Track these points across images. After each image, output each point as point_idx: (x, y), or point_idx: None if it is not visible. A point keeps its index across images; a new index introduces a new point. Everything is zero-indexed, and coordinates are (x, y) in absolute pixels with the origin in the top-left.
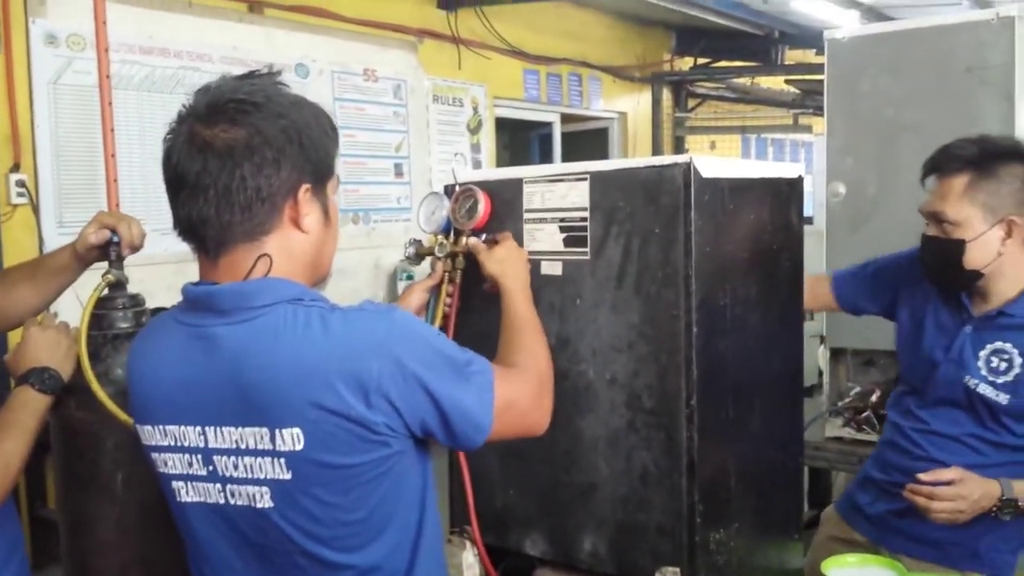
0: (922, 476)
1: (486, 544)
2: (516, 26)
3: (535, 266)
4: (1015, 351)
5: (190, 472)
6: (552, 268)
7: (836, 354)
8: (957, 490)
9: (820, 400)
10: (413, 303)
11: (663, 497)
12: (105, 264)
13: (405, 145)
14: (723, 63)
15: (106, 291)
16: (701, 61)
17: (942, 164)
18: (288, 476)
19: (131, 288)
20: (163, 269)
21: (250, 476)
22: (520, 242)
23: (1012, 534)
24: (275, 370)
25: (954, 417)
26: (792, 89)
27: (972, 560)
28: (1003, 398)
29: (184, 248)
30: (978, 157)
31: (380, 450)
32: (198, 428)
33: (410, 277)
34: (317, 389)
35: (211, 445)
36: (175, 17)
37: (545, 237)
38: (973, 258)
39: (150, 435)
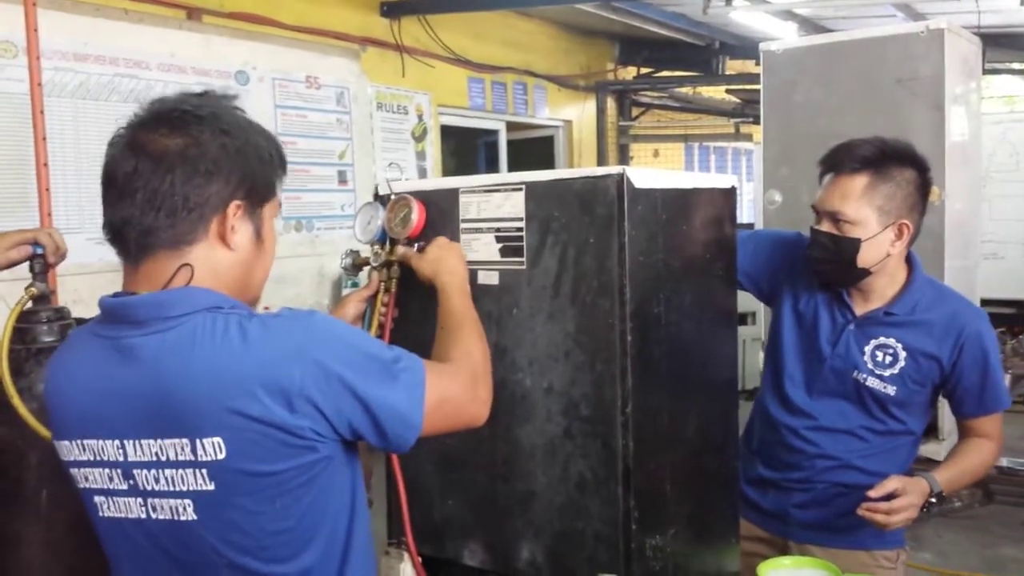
0: (871, 493)
1: (424, 555)
2: (460, 35)
3: (472, 276)
4: (899, 345)
5: (110, 487)
6: (489, 278)
7: None
8: (910, 499)
9: None
10: (349, 313)
11: (600, 504)
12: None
13: (349, 152)
14: (665, 73)
15: (29, 304)
16: (644, 71)
17: (841, 162)
18: (211, 487)
19: (66, 298)
20: (99, 278)
21: (172, 489)
22: None
23: None
24: (194, 379)
25: (842, 410)
26: (733, 99)
27: (877, 538)
28: (891, 390)
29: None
30: (877, 158)
31: (305, 455)
32: (116, 442)
33: (355, 284)
34: (238, 397)
35: (130, 459)
36: (111, 24)
37: (482, 247)
38: (865, 257)
39: (68, 450)
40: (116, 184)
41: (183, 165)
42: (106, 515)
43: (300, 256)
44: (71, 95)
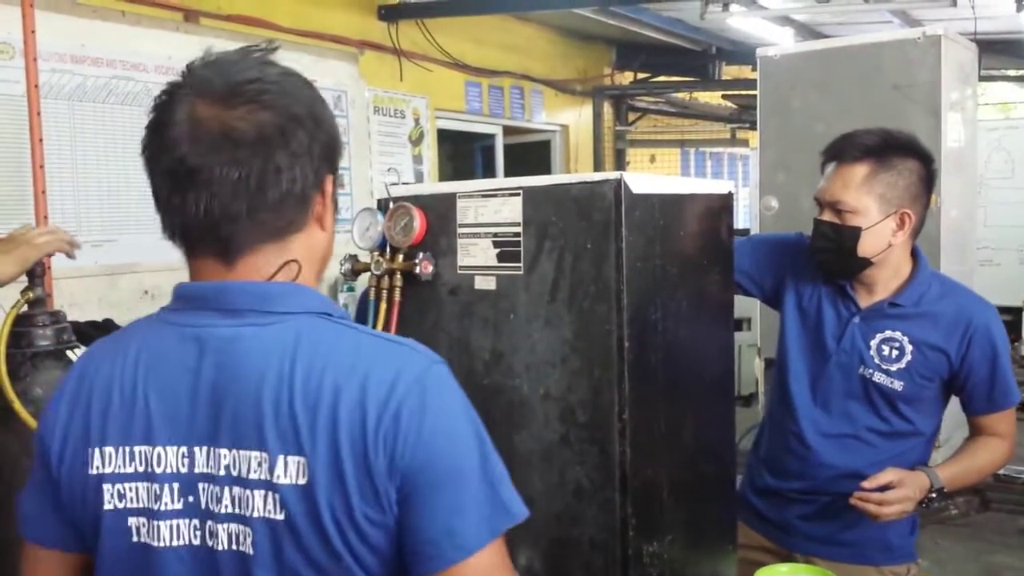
0: (865, 484)
1: None
2: (458, 39)
3: (470, 280)
4: (905, 339)
5: (157, 507)
6: (486, 283)
7: (771, 364)
8: (904, 492)
9: (757, 409)
10: None
11: (596, 511)
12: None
13: (346, 156)
14: (662, 78)
15: (25, 308)
16: (641, 76)
17: (843, 152)
18: (280, 516)
19: (61, 302)
20: (94, 281)
21: (235, 511)
22: (454, 256)
23: (908, 517)
24: (288, 384)
25: (849, 412)
26: (729, 104)
27: (885, 552)
28: (898, 385)
29: (116, 261)
30: (879, 147)
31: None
32: (182, 449)
33: (351, 289)
34: (336, 413)
35: (197, 470)
36: (108, 26)
37: (479, 252)
38: (866, 246)
39: (106, 460)
40: (200, 176)
41: (285, 145)
42: (140, 541)
43: None
44: (68, 97)
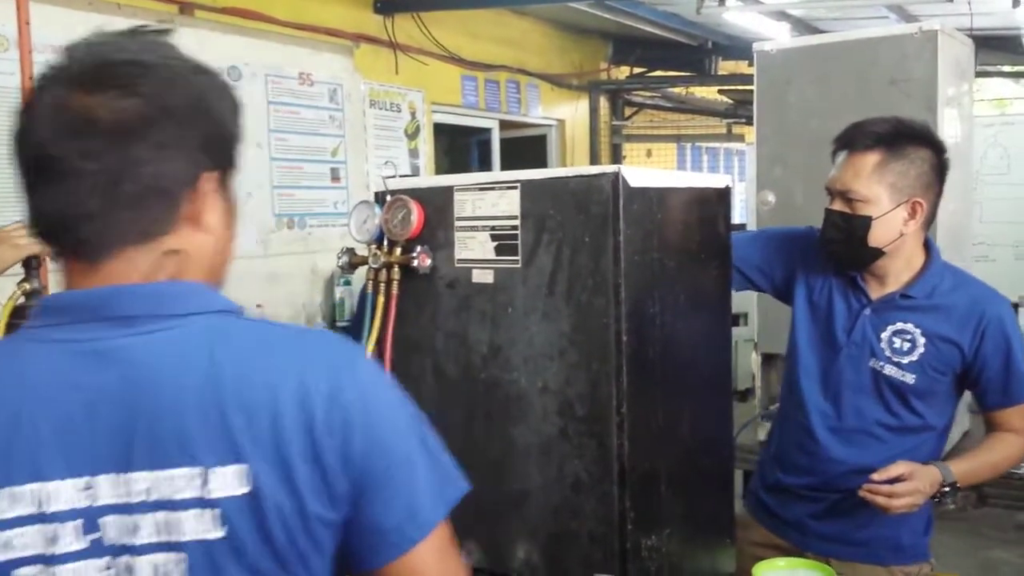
0: (875, 476)
1: None
2: (454, 32)
3: (467, 274)
4: (917, 331)
5: (54, 551)
6: (483, 276)
7: (768, 359)
8: (915, 484)
9: (754, 404)
10: None
11: (595, 504)
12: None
13: (342, 149)
14: (658, 72)
15: (22, 299)
16: (637, 70)
17: (854, 140)
18: (220, 533)
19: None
20: None
21: (163, 539)
22: (452, 249)
23: (922, 516)
24: (214, 389)
25: (858, 406)
26: (725, 99)
27: (896, 552)
28: (910, 378)
29: None
30: (890, 136)
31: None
32: (81, 481)
33: (347, 283)
34: (274, 413)
35: (102, 502)
36: (104, 18)
37: (476, 245)
38: (877, 236)
39: None
40: (55, 168)
41: (147, 136)
42: None
43: (292, 254)
44: None
